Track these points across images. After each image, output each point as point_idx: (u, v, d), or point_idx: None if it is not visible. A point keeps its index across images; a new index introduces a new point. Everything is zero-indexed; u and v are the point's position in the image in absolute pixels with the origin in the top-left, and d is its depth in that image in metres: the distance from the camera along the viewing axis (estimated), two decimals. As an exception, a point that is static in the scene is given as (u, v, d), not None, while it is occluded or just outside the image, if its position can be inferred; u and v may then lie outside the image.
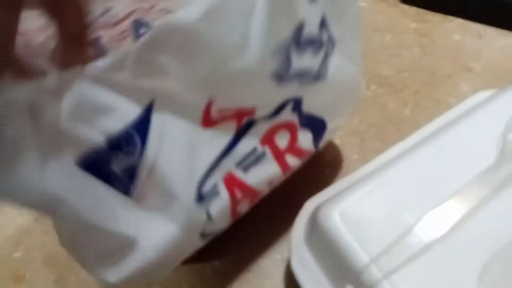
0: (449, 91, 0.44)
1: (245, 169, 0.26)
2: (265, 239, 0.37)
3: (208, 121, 0.23)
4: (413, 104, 0.43)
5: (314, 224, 0.28)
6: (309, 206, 0.32)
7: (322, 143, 0.32)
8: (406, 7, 0.51)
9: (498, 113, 0.29)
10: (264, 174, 0.28)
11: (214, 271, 0.35)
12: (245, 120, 0.25)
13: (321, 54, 0.26)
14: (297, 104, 0.27)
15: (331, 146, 0.41)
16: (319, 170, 0.40)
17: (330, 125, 0.31)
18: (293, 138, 0.29)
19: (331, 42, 0.27)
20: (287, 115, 0.27)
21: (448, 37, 0.47)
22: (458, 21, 0.49)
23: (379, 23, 0.49)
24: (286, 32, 0.23)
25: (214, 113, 0.23)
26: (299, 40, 0.24)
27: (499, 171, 0.26)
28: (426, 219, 0.25)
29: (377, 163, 0.33)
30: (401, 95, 0.44)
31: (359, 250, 0.25)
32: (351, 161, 0.41)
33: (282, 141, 0.28)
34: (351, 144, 0.41)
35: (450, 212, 0.26)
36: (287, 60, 0.24)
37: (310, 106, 0.28)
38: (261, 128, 0.27)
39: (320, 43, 0.25)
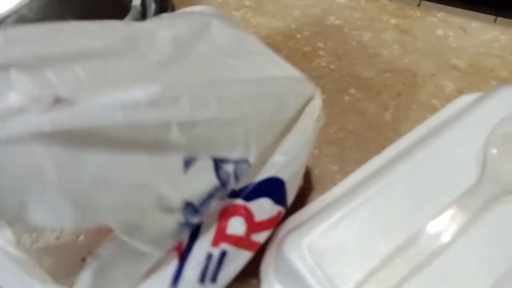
0: (433, 92, 0.41)
1: (213, 279, 0.25)
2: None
3: None
4: (395, 108, 0.40)
5: (280, 254, 0.26)
6: (283, 230, 0.30)
7: (291, 196, 0.28)
8: (386, 1, 0.48)
9: (478, 124, 0.27)
10: (235, 268, 0.26)
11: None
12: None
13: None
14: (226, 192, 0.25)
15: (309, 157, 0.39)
16: (297, 183, 0.38)
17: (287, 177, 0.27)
18: (249, 218, 0.25)
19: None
20: (220, 204, 0.25)
21: (430, 33, 0.45)
22: (441, 15, 0.46)
23: (357, 21, 0.46)
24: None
25: None
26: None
27: (478, 193, 0.24)
28: (401, 249, 0.23)
29: (354, 180, 0.31)
30: (381, 98, 0.41)
31: (328, 285, 0.23)
32: (330, 172, 0.38)
33: (237, 228, 0.25)
34: (329, 155, 0.39)
35: (430, 239, 0.23)
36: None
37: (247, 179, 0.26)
38: (204, 234, 0.25)
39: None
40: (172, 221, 0.22)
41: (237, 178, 0.24)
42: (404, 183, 0.25)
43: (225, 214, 0.25)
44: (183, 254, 0.24)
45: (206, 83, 0.23)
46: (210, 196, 0.23)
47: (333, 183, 0.38)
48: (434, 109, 0.40)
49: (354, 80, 0.42)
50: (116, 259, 0.22)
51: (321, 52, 0.44)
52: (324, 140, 0.39)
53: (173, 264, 0.24)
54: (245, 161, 0.24)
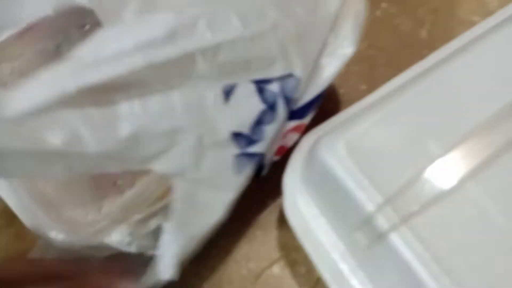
0: (474, 8, 0.37)
1: None
2: (253, 182, 0.32)
3: None
4: (431, 25, 0.36)
5: (313, 160, 0.23)
6: (306, 141, 0.26)
7: None
8: None
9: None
10: None
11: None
12: None
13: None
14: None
15: (333, 75, 0.35)
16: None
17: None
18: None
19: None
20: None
21: None
22: None
23: None
24: None
25: None
26: None
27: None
28: (456, 150, 0.20)
29: (388, 89, 0.27)
30: (417, 14, 0.37)
31: (371, 188, 0.20)
32: (358, 92, 0.35)
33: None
34: (358, 73, 0.35)
35: (485, 143, 0.20)
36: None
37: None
38: None
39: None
40: (227, 155, 0.21)
41: (287, 97, 0.22)
42: (456, 79, 0.22)
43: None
44: None
45: None
46: (259, 122, 0.22)
47: (361, 103, 0.34)
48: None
49: (386, -7, 0.38)
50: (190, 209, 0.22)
51: (350, -37, 0.39)
52: (351, 57, 0.35)
53: None
54: (290, 75, 0.22)
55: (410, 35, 0.36)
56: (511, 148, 0.20)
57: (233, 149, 0.22)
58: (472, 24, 0.36)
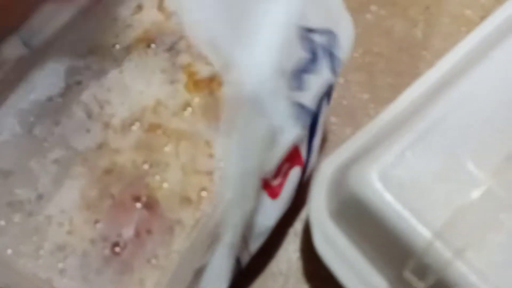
0: (465, 2, 0.36)
1: None
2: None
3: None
4: (425, 24, 0.36)
5: (342, 191, 0.22)
6: (326, 168, 0.25)
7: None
8: None
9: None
10: None
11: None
12: None
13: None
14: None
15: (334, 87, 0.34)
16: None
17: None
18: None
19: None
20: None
21: None
22: None
23: None
24: None
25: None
26: None
27: None
28: (500, 170, 0.19)
29: (404, 103, 0.26)
30: (408, 14, 0.36)
31: (416, 223, 0.19)
32: (362, 102, 0.33)
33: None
34: (358, 82, 0.34)
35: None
36: None
37: None
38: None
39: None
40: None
41: (330, 51, 0.21)
42: (489, 90, 0.21)
43: None
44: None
45: None
46: (300, 70, 0.20)
47: (366, 113, 0.33)
48: (469, 21, 0.35)
49: (374, -5, 0.37)
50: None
51: (333, -33, 0.38)
52: (349, 66, 0.34)
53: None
54: (330, 32, 0.22)
55: (405, 37, 0.35)
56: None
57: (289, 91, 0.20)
58: (465, 18, 0.36)
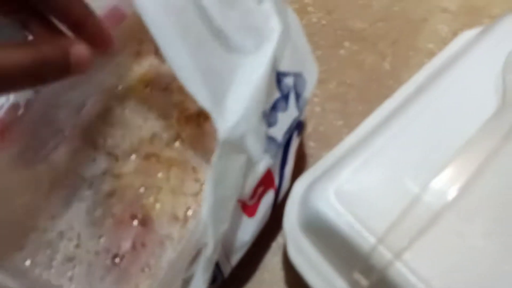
0: (428, 36, 0.40)
1: None
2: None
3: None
4: (392, 56, 0.40)
5: (307, 207, 0.25)
6: (298, 187, 0.29)
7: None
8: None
9: (491, 52, 0.26)
10: None
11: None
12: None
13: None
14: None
15: (312, 115, 0.38)
16: (303, 143, 0.37)
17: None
18: None
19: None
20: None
21: (418, -22, 0.44)
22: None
23: (343, -27, 0.45)
24: None
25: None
26: None
27: (504, 118, 0.23)
28: (432, 184, 0.22)
29: (365, 128, 0.30)
30: (378, 48, 0.40)
31: (363, 231, 0.22)
32: (336, 128, 0.37)
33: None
34: (333, 110, 0.38)
35: (457, 172, 0.23)
36: None
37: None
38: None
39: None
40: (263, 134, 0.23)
41: (297, 92, 0.24)
42: (425, 119, 0.25)
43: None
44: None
45: None
46: (274, 108, 0.24)
47: (340, 138, 0.37)
48: (431, 54, 0.39)
49: (347, 33, 0.41)
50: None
51: (309, 8, 0.42)
52: (325, 96, 0.38)
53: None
54: (300, 75, 0.25)
55: (374, 69, 0.39)
56: (482, 176, 0.23)
57: (264, 127, 0.23)
58: (428, 51, 0.40)
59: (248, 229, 0.26)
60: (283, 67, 0.24)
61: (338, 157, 0.28)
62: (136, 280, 0.24)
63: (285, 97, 0.24)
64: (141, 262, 0.25)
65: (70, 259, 0.25)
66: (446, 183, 0.23)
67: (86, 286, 0.24)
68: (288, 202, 0.29)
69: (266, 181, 0.26)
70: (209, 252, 0.21)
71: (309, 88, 0.26)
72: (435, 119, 0.25)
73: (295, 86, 0.25)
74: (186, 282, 0.23)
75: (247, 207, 0.26)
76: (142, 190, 0.27)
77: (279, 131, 0.24)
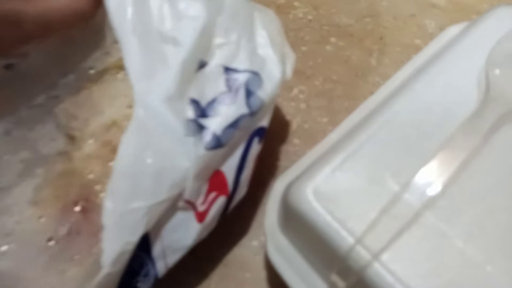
0: (415, 32, 0.40)
1: None
2: (237, 226, 0.33)
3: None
4: (379, 53, 0.39)
5: (286, 206, 0.25)
6: (279, 186, 0.28)
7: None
8: None
9: (474, 48, 0.26)
10: None
11: (186, 271, 0.32)
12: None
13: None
14: None
15: (297, 112, 0.37)
16: (287, 140, 0.36)
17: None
18: None
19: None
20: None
21: (406, -27, 0.43)
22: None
23: (330, -32, 0.44)
24: None
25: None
26: None
27: (486, 114, 0.23)
28: (412, 182, 0.22)
29: (348, 125, 0.29)
30: (364, 44, 0.40)
31: (341, 230, 0.22)
32: (321, 125, 0.37)
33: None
34: (318, 107, 0.37)
35: (438, 170, 0.22)
36: None
37: None
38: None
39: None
40: (182, 115, 0.23)
41: (249, 89, 0.24)
42: (405, 116, 0.24)
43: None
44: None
45: None
46: (216, 101, 0.24)
47: (325, 135, 0.36)
48: (418, 49, 0.38)
49: (334, 28, 0.40)
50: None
51: (296, 3, 0.42)
52: (311, 93, 0.38)
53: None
54: (256, 73, 0.25)
55: (361, 65, 0.38)
56: (463, 175, 0.22)
57: (189, 112, 0.23)
58: (415, 47, 0.39)
59: (193, 234, 0.25)
60: (236, 64, 0.25)
61: (319, 155, 0.27)
62: (64, 266, 0.24)
63: (232, 92, 0.24)
64: (73, 249, 0.24)
65: (7, 234, 0.24)
66: (427, 182, 0.22)
67: (17, 264, 0.24)
68: (269, 201, 0.28)
69: (218, 186, 0.25)
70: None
71: (268, 89, 0.25)
72: (417, 115, 0.24)
73: (247, 83, 0.25)
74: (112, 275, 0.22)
75: (198, 212, 0.25)
76: (91, 176, 0.27)
77: (219, 125, 0.24)
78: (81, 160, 0.27)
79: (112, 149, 0.27)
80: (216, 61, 0.24)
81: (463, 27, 0.30)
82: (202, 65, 0.24)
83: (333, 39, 0.40)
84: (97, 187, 0.26)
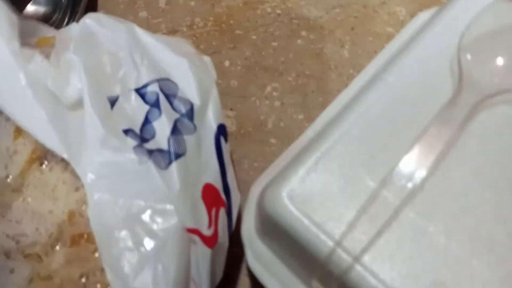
0: (386, 20, 0.39)
1: None
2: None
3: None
4: (351, 43, 0.38)
5: (262, 211, 0.23)
6: (255, 190, 0.27)
7: None
8: None
9: (446, 34, 0.25)
10: None
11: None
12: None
13: None
14: None
15: (271, 110, 0.36)
16: (264, 140, 0.35)
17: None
18: None
19: None
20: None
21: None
22: None
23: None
24: None
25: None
26: None
27: (460, 103, 0.22)
28: (389, 178, 0.21)
29: (322, 121, 0.28)
30: (335, 36, 0.39)
31: (319, 234, 0.21)
32: (297, 122, 0.36)
33: None
34: (293, 104, 0.36)
35: (415, 163, 0.21)
36: None
37: None
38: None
39: None
40: (129, 148, 0.22)
41: (166, 93, 0.24)
42: (378, 110, 0.23)
43: None
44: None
45: None
46: (147, 121, 0.24)
47: (302, 132, 0.35)
48: (390, 38, 0.37)
49: (303, 21, 0.39)
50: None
51: (264, -2, 0.40)
52: (284, 89, 0.37)
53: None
54: (167, 79, 0.25)
55: (333, 58, 0.37)
56: (440, 167, 0.21)
57: (130, 141, 0.23)
58: (387, 35, 0.39)
59: (214, 259, 0.24)
60: (141, 81, 0.24)
61: (291, 158, 0.26)
62: None
63: (154, 105, 0.24)
64: None
65: None
66: (404, 176, 0.21)
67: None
68: (245, 207, 0.27)
69: (214, 199, 0.24)
70: None
71: (187, 89, 0.25)
72: (390, 108, 0.23)
73: (162, 90, 0.24)
74: None
75: (206, 238, 0.23)
76: (84, 280, 0.23)
77: (162, 139, 0.23)
78: (61, 272, 0.23)
79: (87, 240, 0.24)
80: (123, 89, 0.24)
81: (433, 13, 0.29)
82: (113, 100, 0.23)
83: (303, 33, 0.39)
84: (98, 286, 0.23)
